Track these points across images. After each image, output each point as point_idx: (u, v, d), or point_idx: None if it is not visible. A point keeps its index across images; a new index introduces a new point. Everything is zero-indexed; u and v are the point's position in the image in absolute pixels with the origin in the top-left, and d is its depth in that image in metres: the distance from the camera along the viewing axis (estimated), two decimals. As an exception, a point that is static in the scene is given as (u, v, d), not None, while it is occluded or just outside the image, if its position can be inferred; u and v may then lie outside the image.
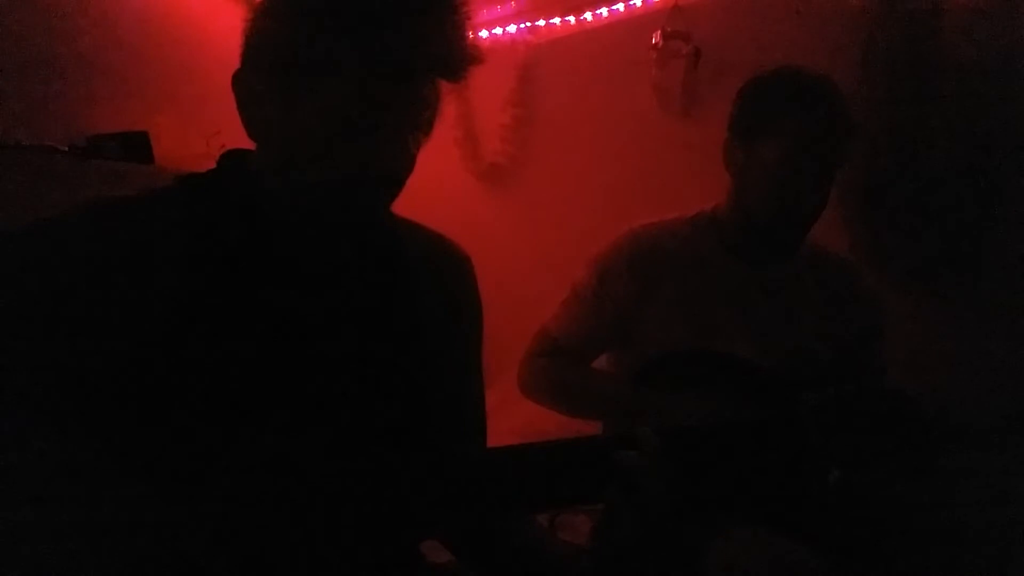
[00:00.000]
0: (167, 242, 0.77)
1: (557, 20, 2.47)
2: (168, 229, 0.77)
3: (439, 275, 0.94)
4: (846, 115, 1.30)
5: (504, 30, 2.58)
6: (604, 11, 2.37)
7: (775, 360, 1.29)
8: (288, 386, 0.77)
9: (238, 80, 0.79)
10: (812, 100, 1.28)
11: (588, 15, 2.40)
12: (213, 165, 0.88)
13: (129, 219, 0.78)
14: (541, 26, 2.51)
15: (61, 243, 0.75)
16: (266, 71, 0.77)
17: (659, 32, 2.13)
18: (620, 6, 2.33)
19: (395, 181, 0.81)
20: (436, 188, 2.76)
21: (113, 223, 0.77)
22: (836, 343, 1.37)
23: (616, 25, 2.35)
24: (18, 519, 0.62)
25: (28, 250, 0.74)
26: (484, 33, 2.62)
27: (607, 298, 1.39)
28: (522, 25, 2.54)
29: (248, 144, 0.84)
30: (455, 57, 0.83)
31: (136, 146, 1.95)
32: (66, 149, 1.86)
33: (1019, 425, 1.35)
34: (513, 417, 1.69)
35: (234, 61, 0.84)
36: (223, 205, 0.81)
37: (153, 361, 0.71)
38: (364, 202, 0.79)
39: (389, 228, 0.91)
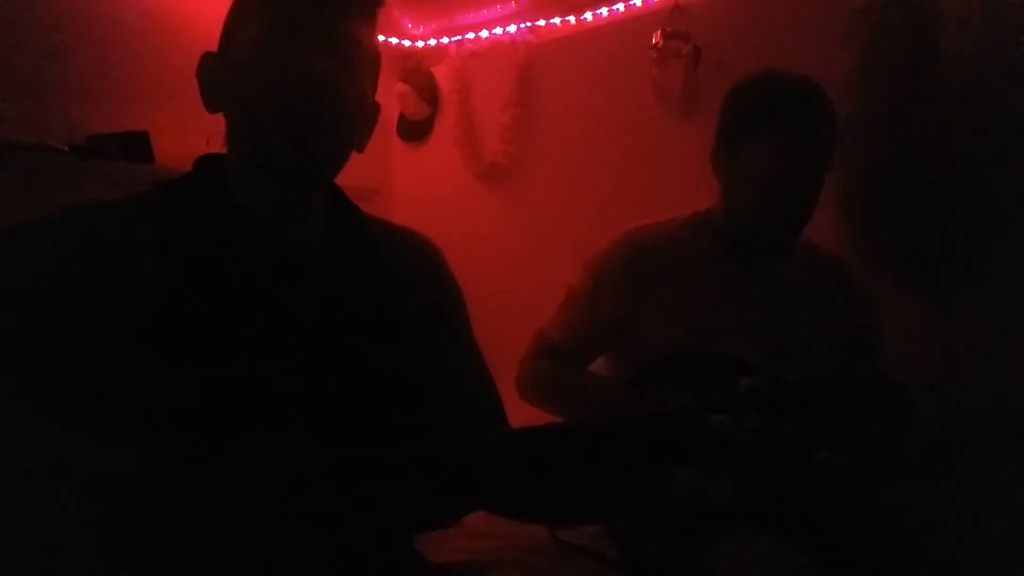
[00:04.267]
0: (143, 243, 0.78)
1: (557, 20, 2.48)
2: (144, 231, 0.79)
3: (411, 266, 0.95)
4: (831, 119, 1.29)
5: (504, 30, 2.58)
6: (604, 11, 2.37)
7: (772, 361, 1.29)
8: (269, 385, 0.78)
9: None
10: (794, 106, 1.27)
11: (588, 15, 2.41)
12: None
13: (104, 221, 0.79)
14: (541, 26, 2.52)
15: (36, 244, 0.76)
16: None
17: (659, 32, 2.13)
18: (620, 6, 2.33)
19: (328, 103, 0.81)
20: (436, 188, 2.77)
21: (88, 225, 0.78)
22: (833, 342, 1.37)
23: (616, 25, 2.35)
24: (9, 514, 0.62)
25: (4, 248, 0.75)
26: (484, 33, 2.63)
27: (603, 300, 1.39)
28: (522, 25, 2.54)
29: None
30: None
31: (136, 146, 1.95)
32: (66, 149, 1.86)
33: (1019, 425, 1.35)
34: (511, 419, 1.68)
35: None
36: (196, 203, 0.83)
37: (130, 361, 0.72)
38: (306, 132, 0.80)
39: (354, 219, 0.93)
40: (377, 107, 0.93)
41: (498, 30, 2.60)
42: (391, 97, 2.74)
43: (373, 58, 0.87)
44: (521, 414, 1.61)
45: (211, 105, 0.86)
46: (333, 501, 0.70)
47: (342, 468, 0.71)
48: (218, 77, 0.85)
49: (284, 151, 0.79)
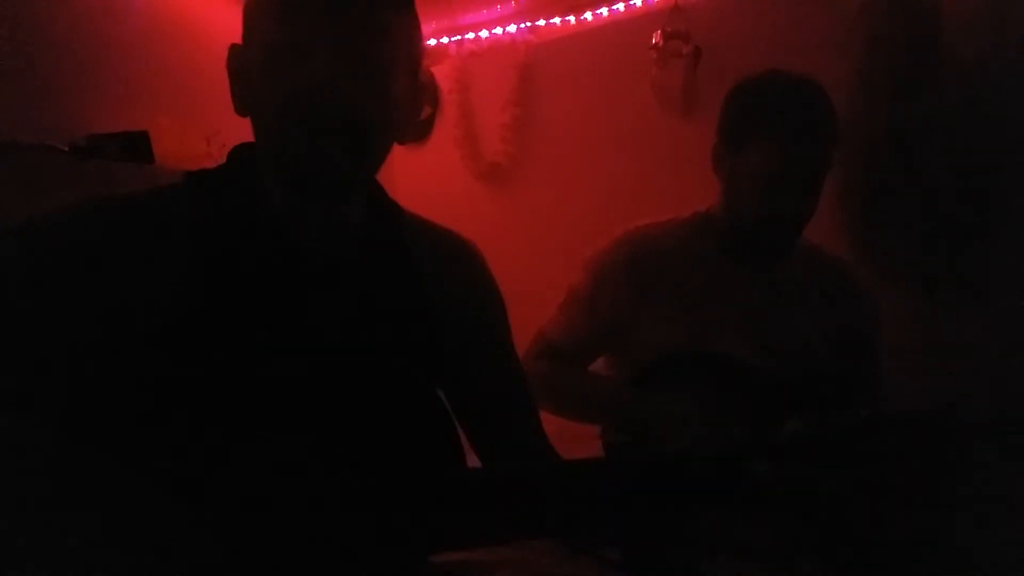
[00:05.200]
0: (172, 237, 0.76)
1: (557, 20, 2.48)
2: (173, 225, 0.77)
3: (451, 269, 0.93)
4: (832, 120, 1.29)
5: (504, 30, 2.58)
6: (604, 11, 2.37)
7: (773, 360, 1.29)
8: (299, 390, 0.76)
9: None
10: (796, 106, 1.27)
11: (588, 15, 2.41)
12: (212, 165, 0.88)
13: (134, 214, 0.77)
14: (541, 26, 2.52)
15: (64, 237, 0.74)
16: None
17: (659, 32, 2.13)
18: (620, 6, 2.33)
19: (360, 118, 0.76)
20: (436, 188, 2.77)
21: (117, 218, 0.76)
22: (834, 342, 1.37)
23: (616, 25, 2.36)
24: (18, 518, 0.62)
25: (30, 244, 0.74)
26: (484, 33, 2.63)
27: (603, 300, 1.39)
28: (522, 25, 2.54)
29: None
30: None
31: (136, 146, 1.95)
32: (66, 149, 1.86)
33: (1019, 425, 1.35)
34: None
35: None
36: (229, 200, 0.80)
37: (158, 357, 0.71)
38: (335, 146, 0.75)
39: (395, 221, 0.90)
40: (422, 90, 0.87)
41: (498, 30, 2.60)
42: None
43: (410, 49, 0.81)
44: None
45: (241, 105, 0.81)
46: (360, 517, 0.69)
47: (375, 489, 0.71)
48: (245, 75, 0.79)
49: (308, 163, 0.76)
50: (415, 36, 0.82)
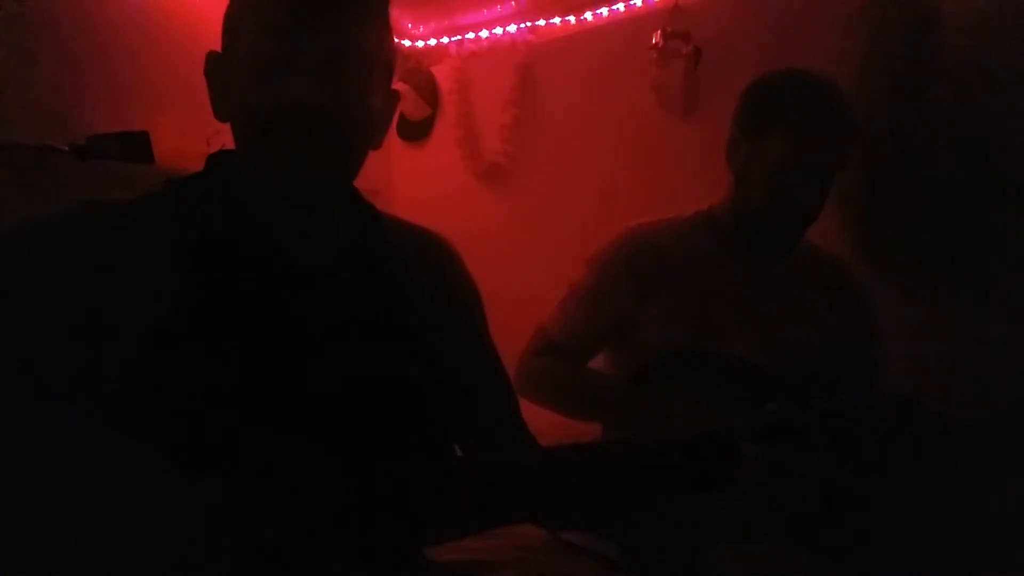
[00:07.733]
0: (155, 244, 0.77)
1: (557, 20, 2.48)
2: (156, 231, 0.78)
3: (430, 268, 0.94)
4: (849, 119, 1.30)
5: (504, 30, 2.58)
6: (604, 11, 2.37)
7: (773, 358, 1.30)
8: (285, 392, 0.77)
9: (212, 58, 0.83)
10: (817, 102, 1.29)
11: (588, 15, 2.41)
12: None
13: (117, 221, 0.78)
14: (541, 26, 2.52)
15: (48, 244, 0.75)
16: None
17: (659, 32, 2.13)
18: (620, 6, 2.33)
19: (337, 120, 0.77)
20: (436, 188, 2.77)
21: (100, 225, 0.77)
22: (833, 339, 1.37)
23: (616, 25, 2.35)
24: (17, 512, 0.62)
25: (14, 250, 0.74)
26: (484, 33, 2.63)
27: (605, 297, 1.39)
28: (522, 25, 2.54)
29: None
30: None
31: (136, 146, 1.96)
32: (66, 149, 1.87)
33: (1019, 425, 1.35)
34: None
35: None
36: (210, 206, 0.81)
37: (143, 362, 0.71)
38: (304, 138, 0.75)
39: (372, 220, 0.91)
40: (395, 97, 0.89)
41: (498, 30, 2.60)
42: (391, 97, 2.74)
43: (385, 57, 0.83)
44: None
45: (219, 113, 0.82)
46: (355, 511, 0.70)
47: (368, 480, 0.71)
48: (224, 83, 0.81)
49: (284, 176, 0.77)
50: (388, 44, 0.84)
